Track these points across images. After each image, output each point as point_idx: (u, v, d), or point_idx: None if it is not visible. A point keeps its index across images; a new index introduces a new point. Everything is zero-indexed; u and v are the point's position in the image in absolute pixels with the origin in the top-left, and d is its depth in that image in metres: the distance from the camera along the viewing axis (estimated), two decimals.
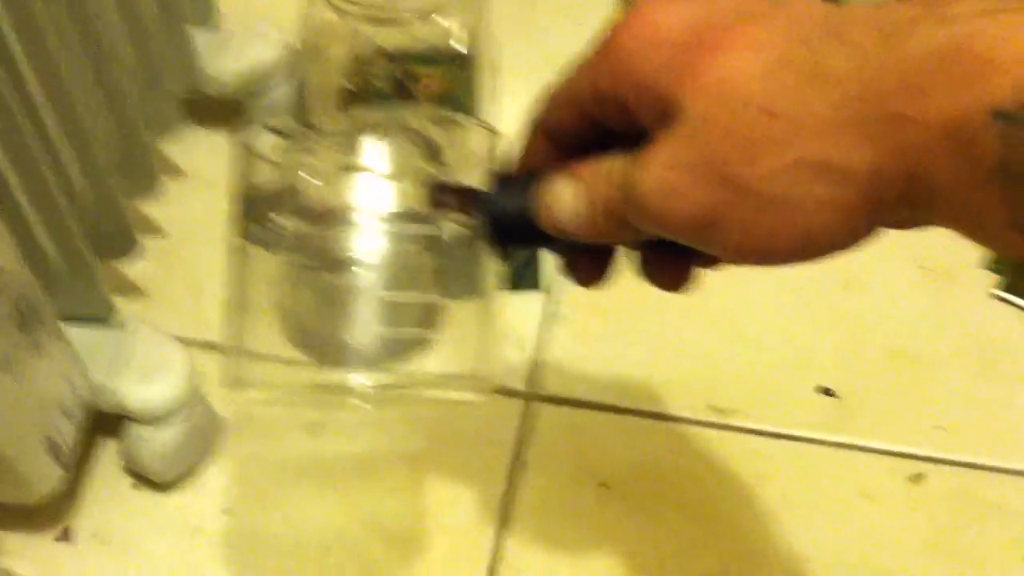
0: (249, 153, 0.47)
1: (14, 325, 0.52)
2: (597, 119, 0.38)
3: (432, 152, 0.66)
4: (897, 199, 0.32)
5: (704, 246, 0.35)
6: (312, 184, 0.48)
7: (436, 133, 0.68)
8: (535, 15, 0.84)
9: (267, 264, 0.51)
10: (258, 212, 0.48)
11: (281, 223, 0.48)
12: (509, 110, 0.79)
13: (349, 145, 0.48)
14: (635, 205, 0.35)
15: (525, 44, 0.82)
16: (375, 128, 0.67)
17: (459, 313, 0.59)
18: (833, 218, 0.33)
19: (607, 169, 0.37)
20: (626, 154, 0.36)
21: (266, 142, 0.47)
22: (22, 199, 0.56)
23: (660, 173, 0.34)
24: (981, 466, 0.62)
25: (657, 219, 0.35)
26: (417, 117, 0.71)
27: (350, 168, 0.47)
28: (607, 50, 0.37)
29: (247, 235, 0.49)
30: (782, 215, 0.33)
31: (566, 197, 0.39)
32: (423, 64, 0.74)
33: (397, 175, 0.47)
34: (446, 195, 0.44)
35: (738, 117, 0.33)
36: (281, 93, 0.77)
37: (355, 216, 0.46)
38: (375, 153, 0.49)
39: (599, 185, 0.38)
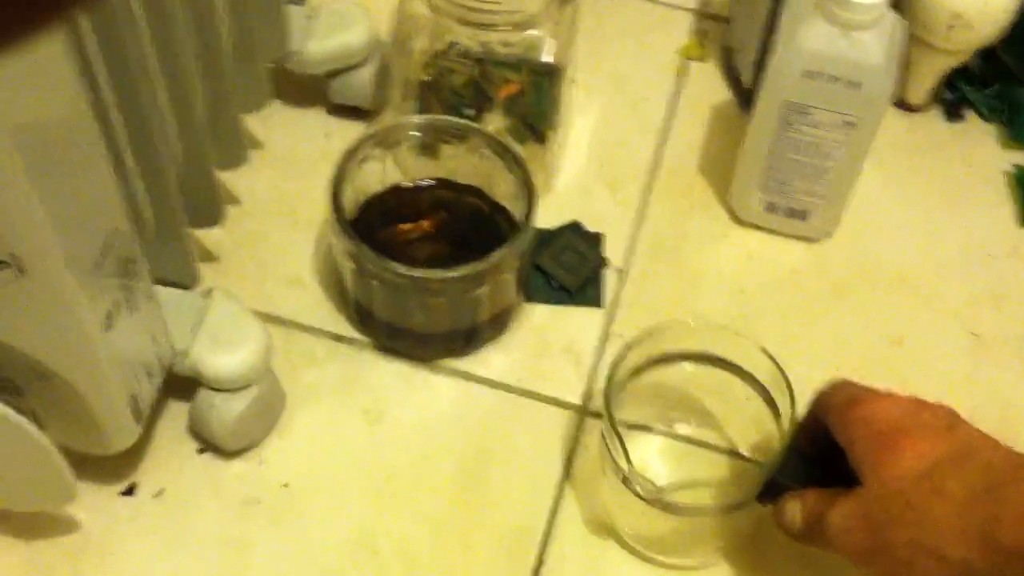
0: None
1: (117, 282, 0.53)
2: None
3: (515, 162, 0.67)
4: None
5: (860, 566, 0.53)
6: None
7: (513, 144, 0.70)
8: (603, 33, 0.86)
9: None
10: None
11: None
12: (578, 124, 0.81)
13: None
14: (823, 534, 0.53)
15: (593, 60, 0.84)
16: (459, 135, 0.69)
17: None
18: None
19: (816, 504, 0.54)
20: (828, 497, 0.54)
21: None
22: (129, 160, 0.57)
23: (842, 520, 0.52)
24: None
25: (834, 546, 0.53)
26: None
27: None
28: (850, 409, 0.54)
29: None
30: (907, 571, 0.50)
31: (791, 515, 0.56)
32: (506, 70, 0.75)
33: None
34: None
35: (894, 501, 0.51)
36: (362, 77, 0.78)
37: None
38: None
39: (810, 516, 0.55)
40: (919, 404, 0.53)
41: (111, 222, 0.51)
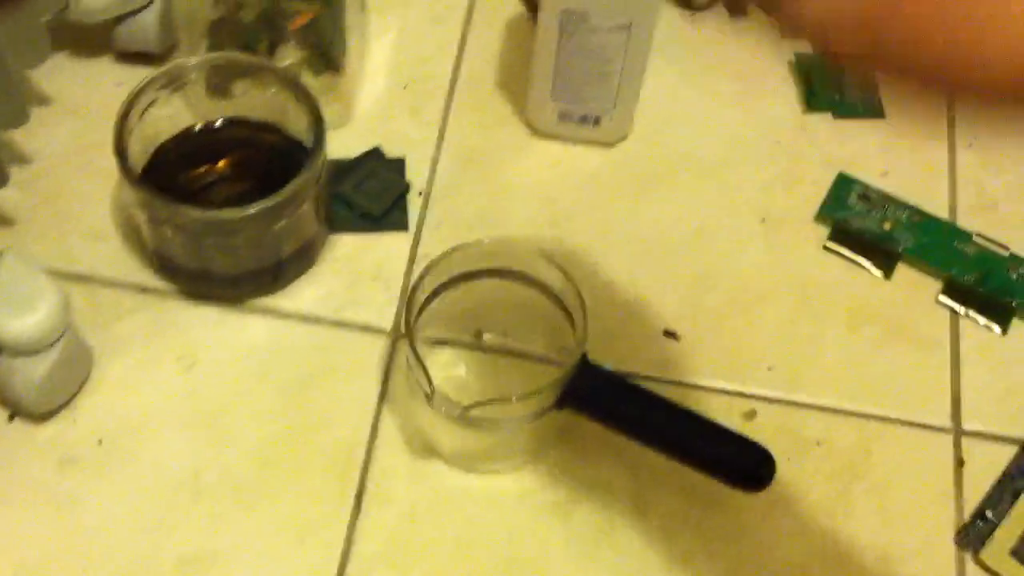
0: None
1: None
2: None
3: (304, 93, 0.67)
4: None
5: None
6: None
7: (309, 80, 0.70)
8: None
9: None
10: None
11: None
12: (375, 48, 0.81)
13: None
14: None
15: None
16: (247, 72, 0.69)
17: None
18: None
19: None
20: None
21: None
22: None
23: None
24: (805, 404, 0.68)
25: None
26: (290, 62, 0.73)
27: None
28: None
29: None
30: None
31: None
32: (296, 0, 0.75)
33: None
34: None
35: None
36: (146, 21, 0.77)
37: None
38: None
39: None
40: None
41: None
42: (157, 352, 0.67)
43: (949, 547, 0.64)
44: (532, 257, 0.63)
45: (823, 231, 0.74)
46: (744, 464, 0.60)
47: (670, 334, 0.70)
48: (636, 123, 0.77)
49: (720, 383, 0.69)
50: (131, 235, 0.71)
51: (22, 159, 0.73)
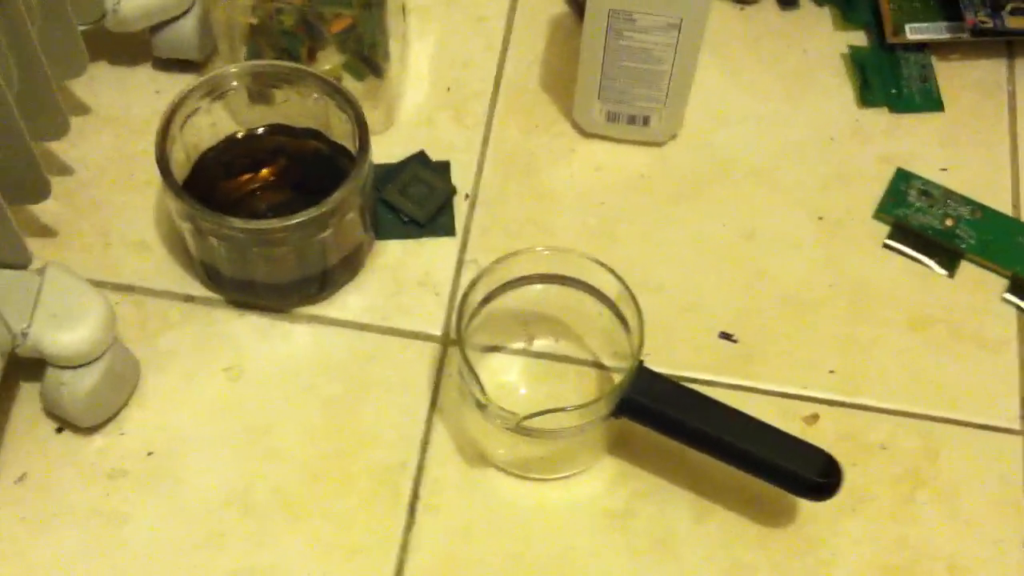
0: None
1: None
2: None
3: (346, 100, 0.66)
4: None
5: None
6: None
7: (351, 84, 0.69)
8: None
9: None
10: None
11: None
12: (417, 51, 0.80)
13: None
14: None
15: None
16: (288, 78, 0.68)
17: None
18: None
19: None
20: None
21: None
22: None
23: None
24: (868, 407, 0.66)
25: None
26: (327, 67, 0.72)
27: None
28: None
29: None
30: None
31: None
32: (336, 4, 0.74)
33: None
34: None
35: None
36: (184, 29, 0.76)
37: None
38: None
39: None
40: None
41: None
42: (204, 363, 0.66)
43: (1021, 553, 0.62)
44: (585, 262, 0.62)
45: (882, 229, 0.72)
46: (811, 472, 0.58)
47: (726, 336, 0.68)
48: (685, 122, 0.75)
49: (780, 387, 0.67)
50: (175, 245, 0.70)
51: (63, 170, 0.72)
